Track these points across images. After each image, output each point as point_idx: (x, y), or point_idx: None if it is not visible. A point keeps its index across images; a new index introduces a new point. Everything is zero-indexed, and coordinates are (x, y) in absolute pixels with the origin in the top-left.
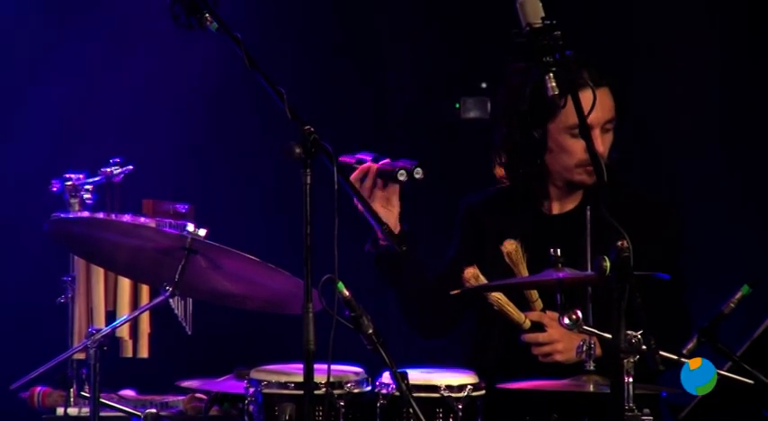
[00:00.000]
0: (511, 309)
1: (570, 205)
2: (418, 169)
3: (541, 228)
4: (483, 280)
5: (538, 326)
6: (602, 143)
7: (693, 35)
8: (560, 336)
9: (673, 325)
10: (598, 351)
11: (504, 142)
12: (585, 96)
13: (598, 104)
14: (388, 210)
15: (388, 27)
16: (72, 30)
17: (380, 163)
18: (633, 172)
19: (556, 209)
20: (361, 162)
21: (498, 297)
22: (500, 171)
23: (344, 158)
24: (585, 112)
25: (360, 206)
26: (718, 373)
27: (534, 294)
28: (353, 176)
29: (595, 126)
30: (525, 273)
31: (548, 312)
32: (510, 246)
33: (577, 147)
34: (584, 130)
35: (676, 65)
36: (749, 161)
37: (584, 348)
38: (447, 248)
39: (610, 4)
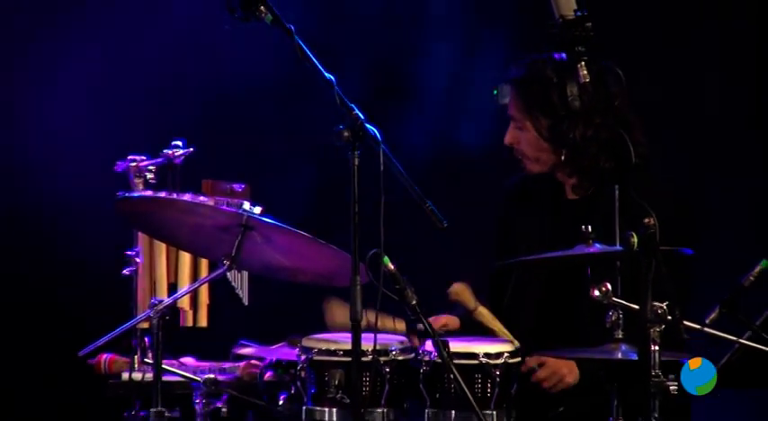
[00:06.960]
0: (497, 326)
1: (586, 192)
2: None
3: (559, 213)
4: (470, 298)
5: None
6: (510, 135)
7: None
8: (556, 364)
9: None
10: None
11: None
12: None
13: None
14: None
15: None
16: (145, 16)
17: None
18: (655, 156)
19: (571, 194)
20: None
21: (484, 313)
22: None
23: None
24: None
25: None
26: (740, 343)
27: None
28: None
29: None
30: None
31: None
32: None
33: None
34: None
35: (701, 49)
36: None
37: (613, 318)
38: (492, 241)
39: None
